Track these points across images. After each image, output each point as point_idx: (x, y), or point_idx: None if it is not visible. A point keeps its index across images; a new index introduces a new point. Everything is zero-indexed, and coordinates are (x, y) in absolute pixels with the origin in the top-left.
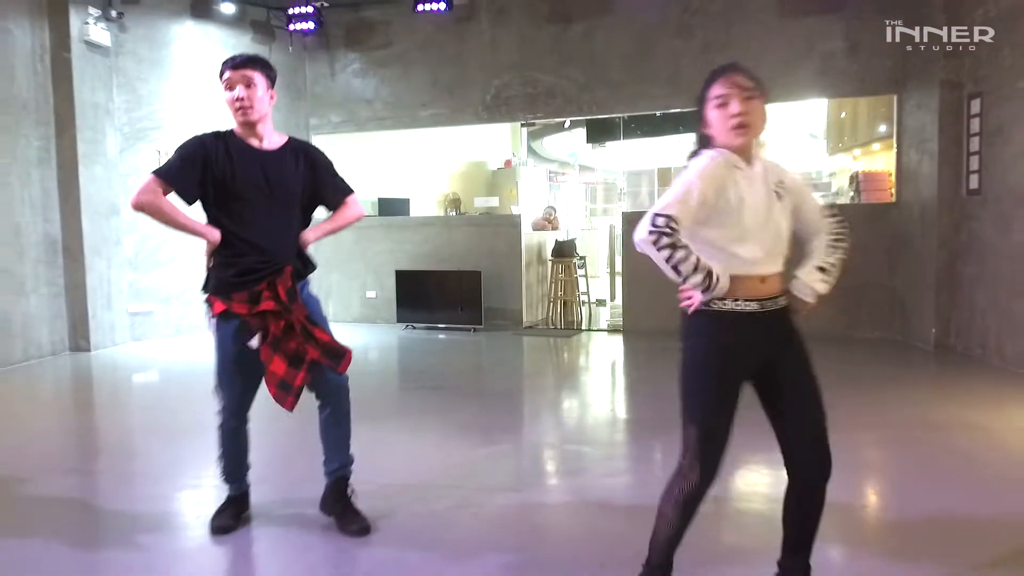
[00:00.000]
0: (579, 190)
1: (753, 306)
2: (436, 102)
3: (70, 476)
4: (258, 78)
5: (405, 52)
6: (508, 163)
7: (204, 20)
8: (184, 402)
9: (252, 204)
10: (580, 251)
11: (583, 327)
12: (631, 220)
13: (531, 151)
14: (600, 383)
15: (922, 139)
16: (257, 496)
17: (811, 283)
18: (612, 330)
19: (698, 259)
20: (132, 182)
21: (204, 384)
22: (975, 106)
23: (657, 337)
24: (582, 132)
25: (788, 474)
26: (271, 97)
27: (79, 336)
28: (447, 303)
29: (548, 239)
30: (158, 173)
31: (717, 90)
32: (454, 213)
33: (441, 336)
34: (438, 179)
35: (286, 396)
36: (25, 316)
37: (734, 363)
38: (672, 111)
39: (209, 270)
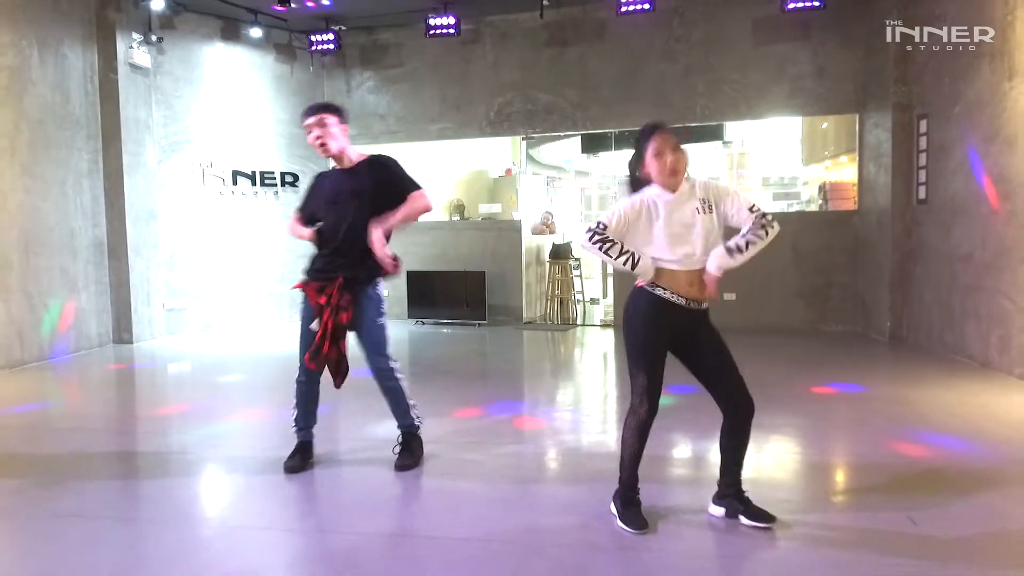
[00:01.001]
0: (575, 195)
1: (681, 301)
2: (444, 117)
3: (151, 435)
4: (329, 118)
5: (415, 71)
6: (508, 172)
7: (233, 42)
8: (217, 387)
9: (328, 214)
10: (575, 253)
11: (578, 323)
12: None
13: (529, 158)
14: (591, 367)
15: (879, 154)
16: (324, 447)
17: (716, 257)
18: (604, 325)
19: (622, 246)
20: (169, 190)
21: (232, 372)
22: (923, 126)
23: None
24: (577, 140)
25: (723, 415)
26: (343, 130)
27: (122, 329)
28: (453, 300)
29: (546, 242)
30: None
31: (654, 143)
32: (458, 218)
33: (446, 330)
34: (443, 186)
35: (333, 376)
36: (78, 311)
37: (663, 333)
38: None
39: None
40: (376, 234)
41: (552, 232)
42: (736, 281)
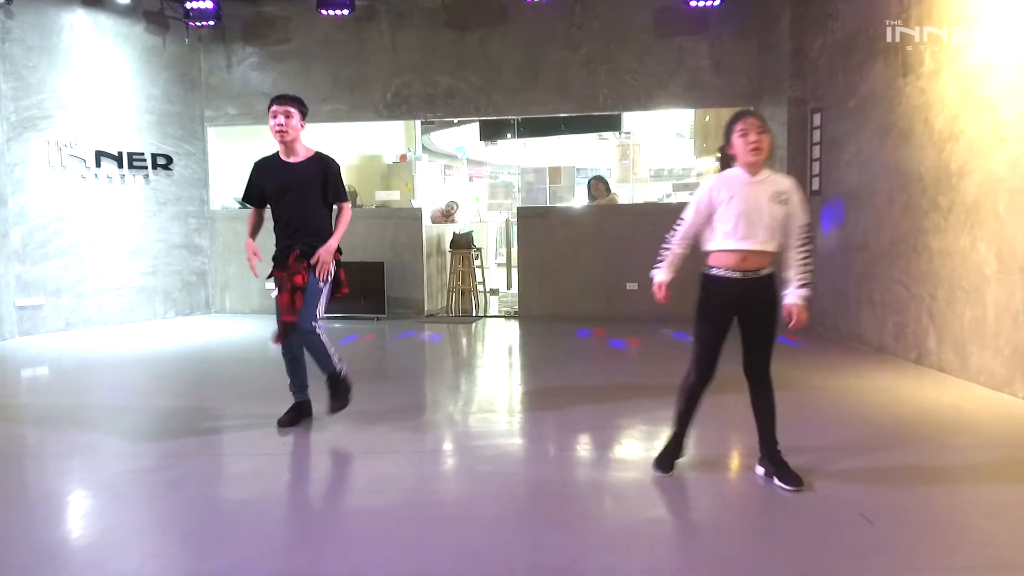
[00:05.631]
0: (475, 185)
1: (737, 275)
2: (336, 98)
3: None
4: (294, 111)
5: (304, 48)
6: (404, 158)
7: (95, 9)
8: (79, 392)
9: (278, 204)
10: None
11: (480, 314)
12: (526, 215)
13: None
14: (501, 363)
15: (774, 147)
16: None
17: (799, 297)
18: (508, 317)
19: (668, 260)
20: (21, 173)
21: (94, 377)
22: (816, 120)
23: (550, 321)
24: (473, 127)
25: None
26: (302, 125)
27: None
28: (350, 293)
29: (447, 231)
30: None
31: (740, 125)
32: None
33: (336, 325)
34: None
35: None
36: None
37: (722, 307)
38: (560, 115)
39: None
40: (325, 256)
41: (453, 221)
42: (639, 271)
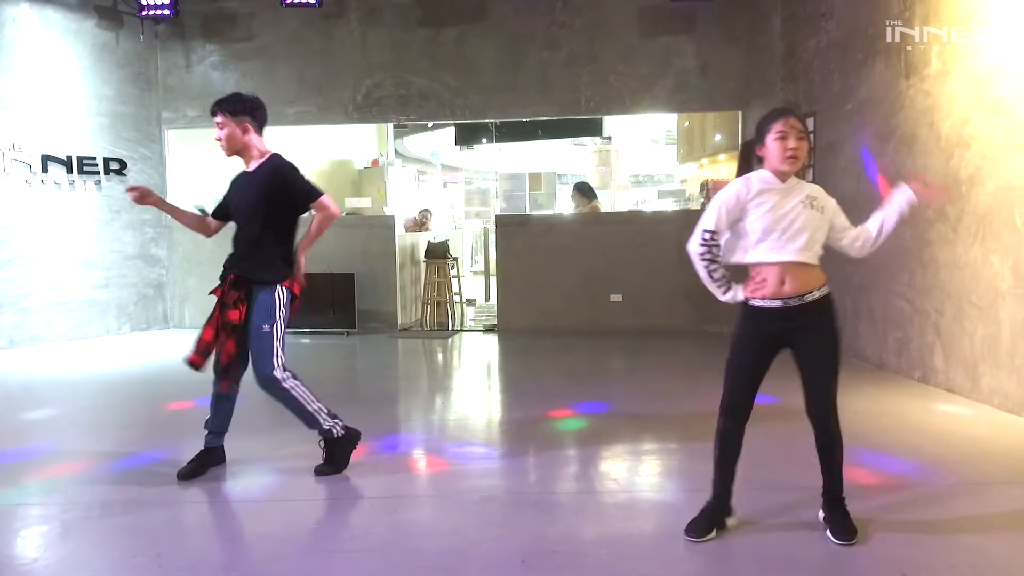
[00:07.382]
0: (450, 191)
1: (776, 303)
2: (303, 99)
3: None
4: (226, 119)
5: (269, 46)
6: (376, 163)
7: (41, 3)
8: (23, 420)
9: (236, 220)
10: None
11: (457, 328)
12: (505, 224)
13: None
14: (484, 384)
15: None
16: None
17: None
18: (487, 330)
19: (724, 273)
20: None
21: (43, 401)
22: (810, 124)
23: (531, 335)
24: (447, 132)
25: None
26: (245, 128)
27: None
28: (318, 306)
29: (421, 240)
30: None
31: (779, 126)
32: None
33: (304, 341)
34: None
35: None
36: None
37: (757, 343)
38: (540, 118)
39: None
40: (301, 259)
41: (427, 230)
42: (622, 282)
